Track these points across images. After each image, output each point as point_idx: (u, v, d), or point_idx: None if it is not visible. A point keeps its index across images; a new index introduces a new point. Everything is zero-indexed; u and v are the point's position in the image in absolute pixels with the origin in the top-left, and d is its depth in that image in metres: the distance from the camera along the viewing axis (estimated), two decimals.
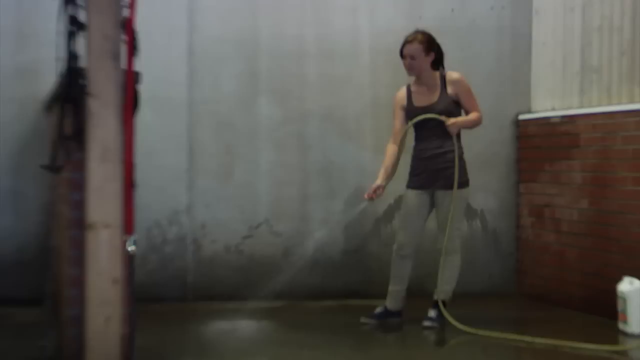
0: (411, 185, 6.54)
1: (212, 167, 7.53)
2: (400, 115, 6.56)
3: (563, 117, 7.38)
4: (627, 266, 6.46)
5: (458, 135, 6.45)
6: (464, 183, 6.46)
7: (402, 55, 6.45)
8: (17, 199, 7.20)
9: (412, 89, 6.56)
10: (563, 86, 7.53)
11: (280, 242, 7.63)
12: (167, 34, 7.38)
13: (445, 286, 6.44)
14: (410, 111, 6.51)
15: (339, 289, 7.66)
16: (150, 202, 7.26)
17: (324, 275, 7.69)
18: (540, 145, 7.67)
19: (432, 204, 6.49)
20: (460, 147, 6.46)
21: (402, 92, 6.59)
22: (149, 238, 7.38)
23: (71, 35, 4.24)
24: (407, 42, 6.44)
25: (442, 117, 6.34)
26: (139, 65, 4.32)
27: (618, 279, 6.35)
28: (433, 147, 6.42)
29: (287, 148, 7.65)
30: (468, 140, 7.41)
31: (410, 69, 6.45)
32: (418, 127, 6.51)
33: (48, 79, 6.54)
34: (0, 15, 7.09)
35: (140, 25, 4.44)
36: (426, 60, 6.42)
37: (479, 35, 7.95)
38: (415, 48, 6.38)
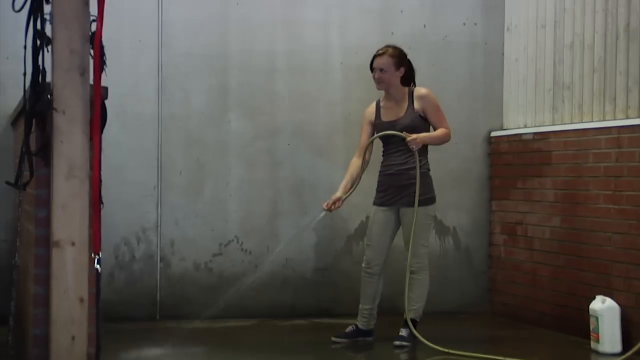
0: (377, 201, 6.55)
1: (182, 183, 7.49)
2: (367, 130, 6.58)
3: (535, 134, 7.41)
4: (599, 284, 6.49)
5: (425, 151, 6.45)
6: (428, 200, 6.44)
7: (371, 68, 6.45)
8: None
9: (381, 104, 6.58)
10: (535, 103, 7.57)
11: (250, 260, 7.60)
12: (135, 49, 7.35)
13: (414, 304, 6.41)
14: (377, 126, 6.53)
15: (310, 307, 7.64)
16: (118, 219, 7.21)
17: (295, 293, 7.67)
18: (513, 162, 7.70)
19: (398, 221, 6.48)
20: (425, 164, 6.47)
21: (372, 108, 6.61)
22: (116, 255, 7.33)
23: (37, 49, 4.20)
24: (377, 55, 6.45)
25: (403, 134, 6.33)
26: (106, 80, 4.28)
27: (590, 298, 6.37)
28: (397, 163, 6.43)
29: (258, 164, 7.63)
30: (440, 156, 7.44)
31: (379, 82, 6.45)
32: (384, 142, 6.53)
33: (13, 93, 6.51)
34: None
35: (108, 39, 4.41)
36: (396, 75, 6.42)
37: (451, 52, 7.98)
38: (385, 61, 6.39)
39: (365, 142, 6.54)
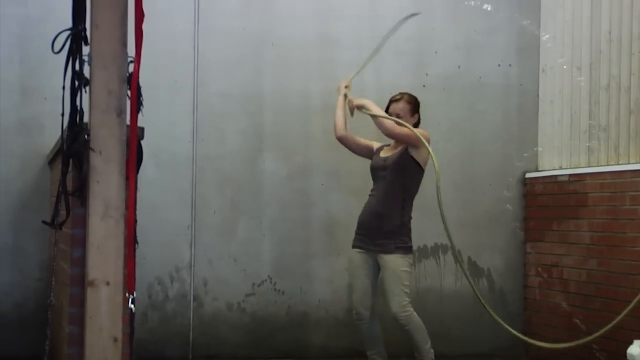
0: (354, 243, 6.37)
1: (215, 223, 7.51)
2: (365, 143, 6.49)
3: (571, 175, 7.36)
4: (637, 328, 6.39)
5: (409, 198, 6.23)
6: (407, 249, 6.18)
7: (387, 112, 6.35)
8: (17, 255, 7.18)
9: (387, 145, 6.44)
10: (570, 144, 7.53)
11: (284, 300, 7.58)
12: (171, 89, 7.42)
13: (422, 349, 6.17)
14: (373, 159, 6.38)
15: (343, 349, 7.59)
16: (152, 258, 7.24)
17: (328, 334, 7.63)
18: (548, 204, 7.65)
19: (377, 265, 6.25)
20: (407, 211, 6.23)
21: (382, 144, 6.49)
22: (150, 295, 7.34)
23: (75, 90, 4.24)
24: (393, 100, 6.32)
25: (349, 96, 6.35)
26: (142, 120, 4.31)
27: (628, 342, 6.27)
28: (375, 204, 6.24)
29: (291, 204, 7.63)
30: (474, 198, 7.42)
31: None
32: (372, 177, 6.37)
33: (51, 133, 6.59)
34: (5, 70, 7.12)
35: (145, 79, 4.45)
36: (410, 122, 6.23)
37: (486, 93, 7.97)
38: (402, 107, 6.25)
39: (359, 141, 6.50)
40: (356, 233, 6.36)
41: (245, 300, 7.53)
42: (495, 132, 7.97)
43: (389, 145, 6.42)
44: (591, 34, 7.29)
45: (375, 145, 6.52)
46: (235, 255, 7.53)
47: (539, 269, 7.73)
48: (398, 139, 6.19)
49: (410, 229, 6.24)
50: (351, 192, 7.70)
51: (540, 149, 8.01)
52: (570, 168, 7.46)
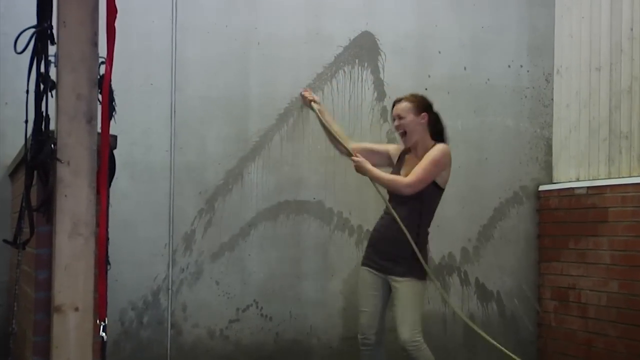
0: (363, 261, 6.32)
1: (196, 241, 7.49)
2: (379, 149, 6.45)
3: (589, 188, 7.38)
4: None
5: (428, 213, 6.17)
6: (420, 274, 6.11)
7: (392, 116, 6.32)
8: None
9: (407, 153, 6.33)
10: (589, 154, 7.55)
11: (271, 327, 7.57)
12: (147, 93, 7.41)
13: None
14: (392, 170, 6.32)
15: None
16: (126, 281, 7.22)
17: None
18: (564, 219, 7.66)
19: (388, 286, 6.21)
20: (424, 229, 6.17)
21: (398, 148, 6.41)
22: (123, 322, 7.32)
23: (41, 94, 4.23)
24: (395, 102, 6.30)
25: (353, 154, 6.25)
26: (115, 127, 4.30)
27: None
28: (388, 225, 6.15)
29: (280, 221, 7.63)
30: (483, 212, 7.43)
31: (399, 130, 6.22)
32: (388, 193, 6.29)
33: (13, 142, 6.56)
34: None
35: (118, 82, 4.44)
36: (416, 121, 6.13)
37: (495, 96, 8.00)
38: (403, 107, 6.15)
39: (367, 147, 6.45)
40: (367, 250, 6.33)
41: (229, 327, 7.52)
42: (505, 139, 7.98)
43: (408, 152, 6.30)
44: (611, 31, 7.32)
45: (392, 150, 6.43)
46: (217, 277, 7.51)
47: (555, 291, 7.73)
48: (398, 189, 6.14)
49: (426, 253, 6.20)
50: (346, 206, 7.71)
51: (555, 158, 8.02)
52: (589, 180, 7.48)
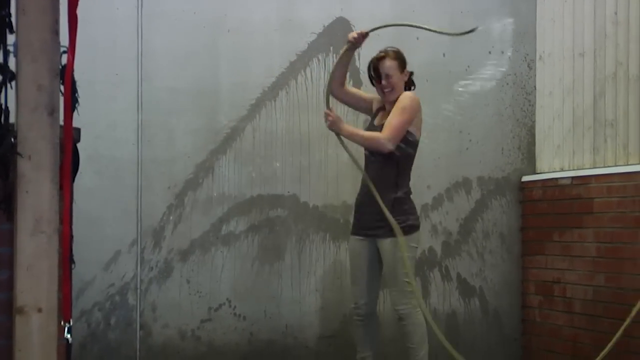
0: (352, 229, 6.49)
1: (165, 238, 7.47)
2: (367, 97, 6.60)
3: (574, 178, 7.41)
4: None
5: (405, 170, 6.32)
6: (406, 228, 6.21)
7: (373, 75, 6.39)
8: None
9: (382, 110, 6.50)
10: (573, 143, 7.57)
11: (245, 327, 7.56)
12: (112, 83, 7.38)
13: (416, 354, 6.23)
14: (369, 125, 6.54)
15: None
16: (92, 280, 7.20)
17: None
18: (548, 211, 7.69)
19: (376, 252, 6.34)
20: (403, 185, 6.29)
21: (378, 100, 6.55)
22: (89, 323, 7.29)
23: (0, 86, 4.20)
24: (378, 58, 6.37)
25: (328, 107, 6.34)
26: (78, 120, 4.28)
27: None
28: (366, 184, 6.27)
29: (253, 215, 7.62)
30: (464, 204, 7.46)
31: (387, 91, 6.34)
32: (365, 156, 6.46)
33: None
34: None
35: (81, 73, 4.42)
36: (401, 78, 6.38)
37: (475, 84, 8.01)
38: (390, 65, 6.32)
39: (356, 92, 6.70)
40: (353, 217, 6.47)
41: (201, 327, 7.51)
42: (486, 129, 8.00)
43: (384, 108, 6.47)
44: (594, 16, 7.35)
45: (375, 102, 6.58)
46: (188, 275, 7.50)
47: (539, 286, 7.76)
48: (377, 146, 6.23)
49: (410, 205, 6.30)
50: (322, 199, 7.71)
51: (538, 148, 8.05)
52: (573, 170, 7.51)
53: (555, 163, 7.81)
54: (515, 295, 8.01)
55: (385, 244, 6.23)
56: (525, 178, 8.01)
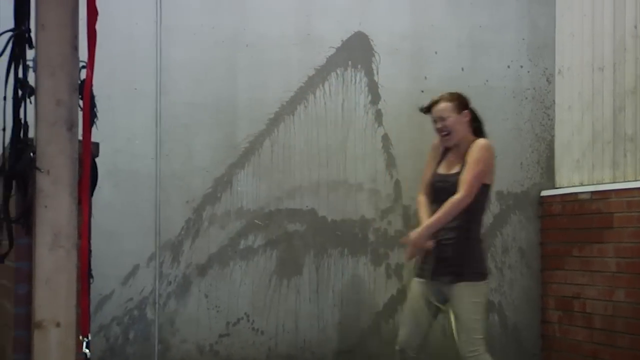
0: (415, 271, 6.28)
1: (184, 252, 7.48)
2: (432, 166, 6.26)
3: (593, 193, 7.38)
4: None
5: (477, 213, 6.14)
6: (477, 275, 6.09)
7: (433, 119, 6.17)
8: None
9: (449, 151, 6.24)
10: (592, 157, 7.55)
11: (263, 341, 7.56)
12: (130, 98, 7.40)
13: None
14: (433, 175, 6.23)
15: None
16: (110, 295, 7.21)
17: None
18: (567, 226, 7.66)
19: (441, 299, 6.16)
20: (475, 230, 6.15)
21: (437, 143, 6.26)
22: (107, 338, 7.30)
23: (18, 101, 4.22)
24: (432, 104, 6.15)
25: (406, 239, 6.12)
26: (97, 134, 4.30)
27: None
28: (440, 230, 6.07)
29: (272, 229, 7.62)
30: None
31: (443, 133, 6.10)
32: (432, 198, 6.21)
33: None
34: None
35: (100, 87, 4.44)
36: (460, 120, 6.08)
37: (494, 98, 7.99)
38: (443, 108, 6.07)
39: (429, 179, 6.23)
40: (420, 260, 6.19)
41: (219, 341, 7.51)
42: (505, 143, 7.97)
43: (447, 152, 6.22)
44: (614, 29, 7.33)
45: (435, 151, 6.28)
46: (206, 290, 7.50)
47: (559, 301, 7.73)
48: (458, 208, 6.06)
49: (481, 253, 6.13)
50: (340, 213, 7.70)
51: (557, 163, 8.03)
52: (593, 184, 7.48)
53: (574, 177, 7.78)
54: (535, 310, 7.98)
55: (455, 289, 6.03)
56: (544, 193, 7.99)
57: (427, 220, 6.05)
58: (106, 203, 7.07)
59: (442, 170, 6.20)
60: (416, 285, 6.24)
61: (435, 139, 6.20)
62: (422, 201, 6.21)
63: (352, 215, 7.74)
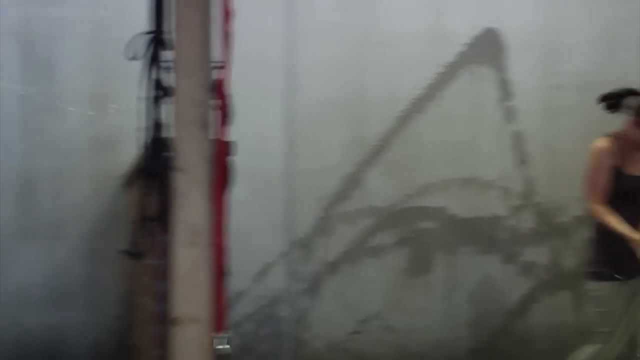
0: (606, 275, 5.97)
1: (315, 249, 7.52)
2: (606, 173, 5.99)
3: None
4: None
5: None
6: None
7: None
8: (91, 289, 7.29)
9: (622, 148, 6.05)
10: None
11: (394, 339, 7.55)
12: (261, 97, 7.45)
13: None
14: (624, 180, 6.01)
15: None
16: (243, 292, 7.28)
17: None
18: None
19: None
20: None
21: (608, 147, 6.05)
22: (240, 334, 7.37)
23: (155, 101, 4.30)
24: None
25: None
26: (231, 134, 4.35)
27: None
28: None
29: (402, 227, 7.60)
30: None
31: None
32: (625, 197, 6.01)
33: (128, 150, 6.69)
34: (75, 79, 7.26)
35: (232, 88, 4.49)
36: None
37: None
38: None
39: (606, 190, 6.01)
40: (608, 260, 6.01)
41: (350, 339, 7.52)
42: None
43: (620, 149, 6.07)
44: None
45: (608, 157, 6.04)
46: (336, 287, 7.52)
47: None
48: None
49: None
50: (471, 211, 7.64)
51: None
52: None
53: None
54: None
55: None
56: None
57: (624, 226, 5.87)
58: (238, 202, 7.13)
59: (636, 171, 6.02)
60: (611, 288, 5.98)
61: (597, 143, 6.08)
62: (606, 210, 5.96)
63: (483, 212, 7.67)
